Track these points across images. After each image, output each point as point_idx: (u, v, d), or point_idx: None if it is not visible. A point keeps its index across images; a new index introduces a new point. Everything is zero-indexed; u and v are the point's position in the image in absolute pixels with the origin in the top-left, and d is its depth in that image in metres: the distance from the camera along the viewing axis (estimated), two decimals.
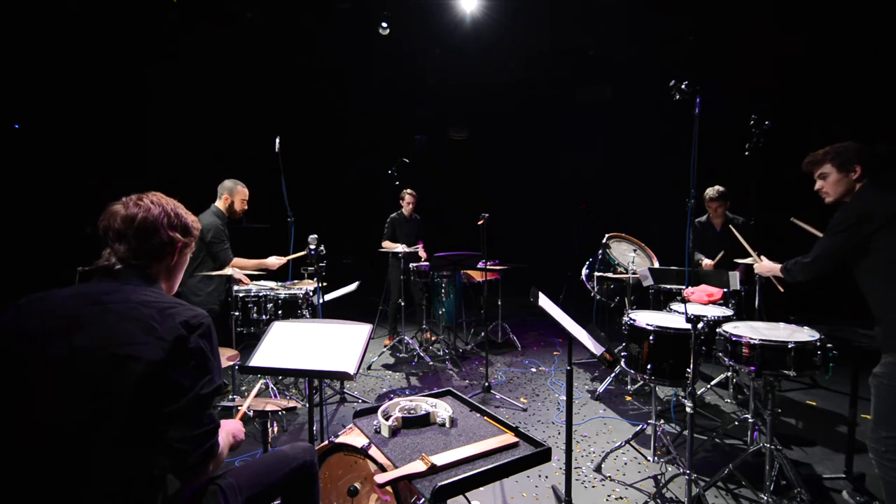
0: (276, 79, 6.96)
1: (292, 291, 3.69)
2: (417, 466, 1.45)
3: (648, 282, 3.61)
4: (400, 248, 4.99)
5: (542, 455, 1.56)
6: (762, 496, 2.47)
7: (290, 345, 2.15)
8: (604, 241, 4.28)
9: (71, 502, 1.10)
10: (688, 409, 2.24)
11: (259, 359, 2.10)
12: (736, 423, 3.36)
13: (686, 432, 2.32)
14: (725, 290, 3.42)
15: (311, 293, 3.75)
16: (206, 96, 6.32)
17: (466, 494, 1.72)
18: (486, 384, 4.04)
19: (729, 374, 3.95)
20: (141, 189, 1.42)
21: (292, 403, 2.12)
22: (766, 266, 2.69)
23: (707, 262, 4.04)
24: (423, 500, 1.65)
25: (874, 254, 2.06)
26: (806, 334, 2.49)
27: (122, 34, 5.45)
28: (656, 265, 4.21)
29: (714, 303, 3.34)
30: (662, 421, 3.11)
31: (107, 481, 1.11)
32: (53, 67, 5.37)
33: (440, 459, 1.48)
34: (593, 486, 2.74)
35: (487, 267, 4.30)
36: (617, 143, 7.84)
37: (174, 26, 5.55)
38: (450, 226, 7.44)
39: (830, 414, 3.70)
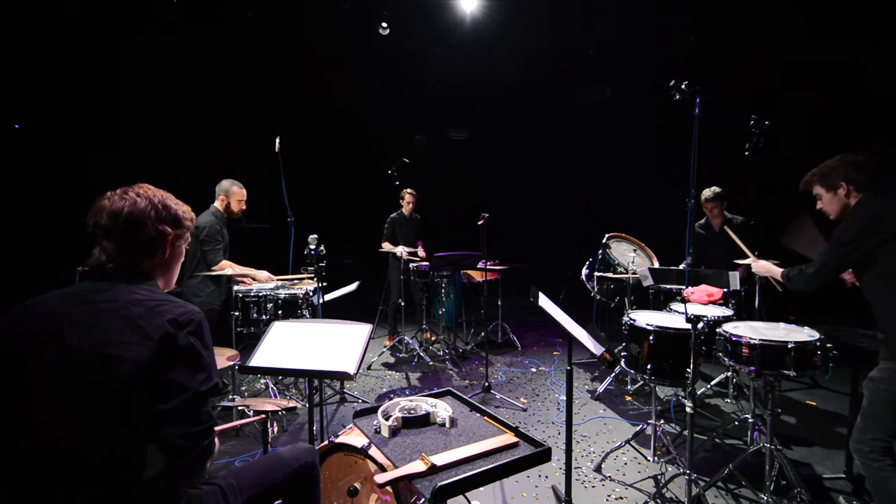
0: (276, 79, 6.96)
1: (292, 291, 3.69)
2: (417, 466, 1.45)
3: (648, 282, 3.61)
4: (399, 249, 4.99)
5: (542, 455, 1.56)
6: (762, 496, 2.48)
7: (290, 345, 2.15)
8: (604, 241, 4.28)
9: (70, 503, 1.10)
10: (688, 409, 2.24)
11: (259, 359, 2.10)
12: (736, 423, 3.36)
13: (686, 432, 2.32)
14: (725, 290, 3.42)
15: (311, 293, 3.75)
16: (206, 96, 6.32)
17: (466, 494, 1.72)
18: (486, 384, 4.04)
19: (729, 374, 3.95)
20: None
21: (292, 403, 2.12)
22: (762, 265, 2.69)
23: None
24: (423, 500, 1.65)
25: (880, 265, 2.08)
26: (806, 334, 2.49)
27: (122, 34, 5.45)
28: (656, 265, 4.21)
29: (714, 303, 3.33)
30: (662, 421, 3.11)
31: (106, 482, 1.11)
32: (53, 67, 5.37)
33: (440, 459, 1.48)
34: (593, 486, 2.74)
35: (487, 267, 4.30)
36: (617, 143, 7.84)
37: (174, 26, 5.55)
38: (450, 226, 7.44)
39: (830, 414, 3.70)
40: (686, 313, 2.32)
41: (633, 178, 7.33)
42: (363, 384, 4.36)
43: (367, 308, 5.64)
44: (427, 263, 5.10)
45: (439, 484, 1.35)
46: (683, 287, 3.23)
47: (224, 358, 2.91)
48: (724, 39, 5.92)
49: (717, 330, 2.67)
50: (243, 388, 4.16)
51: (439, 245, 5.15)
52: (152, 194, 1.34)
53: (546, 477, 2.82)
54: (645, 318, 2.98)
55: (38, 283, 1.65)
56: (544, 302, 2.30)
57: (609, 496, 2.64)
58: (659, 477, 2.71)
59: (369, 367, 4.78)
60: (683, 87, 2.24)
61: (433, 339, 5.50)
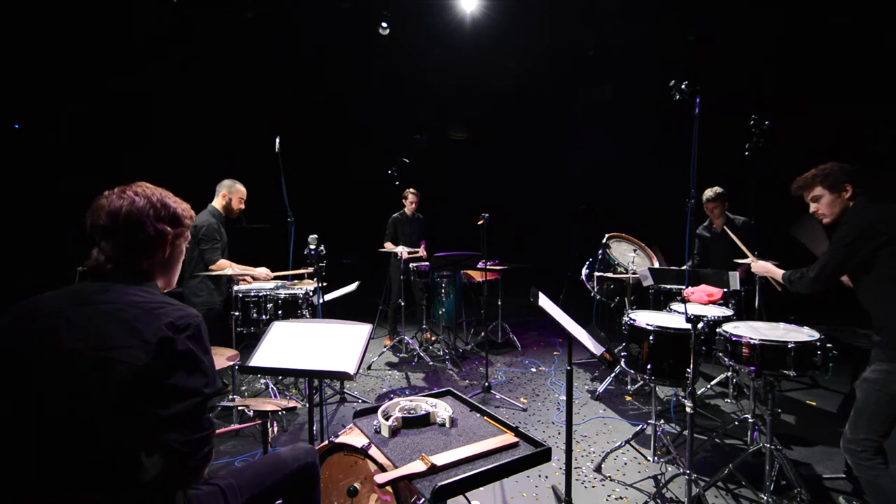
0: (275, 79, 6.95)
1: (292, 291, 3.69)
2: (417, 466, 1.45)
3: (648, 282, 3.61)
4: (400, 249, 4.99)
5: (542, 455, 1.56)
6: (762, 496, 2.48)
7: (290, 345, 2.15)
8: (604, 241, 4.28)
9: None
10: (688, 409, 2.24)
11: (259, 359, 2.10)
12: (736, 423, 3.36)
13: (686, 432, 2.32)
14: (725, 290, 3.42)
15: (311, 293, 3.75)
16: (206, 96, 6.32)
17: (466, 494, 1.72)
18: (486, 384, 4.04)
19: (729, 374, 3.95)
20: None
21: (292, 403, 2.12)
22: (761, 266, 2.68)
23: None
24: (423, 500, 1.65)
25: (878, 269, 2.09)
26: (806, 334, 2.50)
27: (122, 34, 5.45)
28: (656, 265, 4.21)
29: (714, 303, 3.34)
30: (662, 421, 3.11)
31: (104, 484, 1.11)
32: (53, 67, 5.37)
33: (440, 459, 1.47)
34: (593, 486, 2.74)
35: (487, 267, 4.30)
36: (617, 143, 7.83)
37: (174, 26, 5.55)
38: (450, 226, 7.43)
39: (830, 414, 3.70)
40: (686, 313, 2.32)
41: (633, 178, 7.32)
42: (363, 384, 4.36)
43: (367, 308, 5.64)
44: (427, 263, 5.11)
45: (439, 484, 1.35)
46: (683, 287, 3.23)
47: (224, 358, 2.91)
48: (724, 39, 5.92)
49: (717, 330, 2.67)
50: (243, 388, 4.16)
51: (439, 245, 5.15)
52: (151, 193, 1.32)
53: (546, 477, 2.82)
54: (645, 318, 2.97)
55: (38, 283, 1.64)
56: (544, 302, 2.30)
57: (609, 496, 2.64)
58: (659, 477, 2.71)
59: (369, 367, 4.78)
60: (683, 87, 2.24)
61: (433, 339, 5.50)
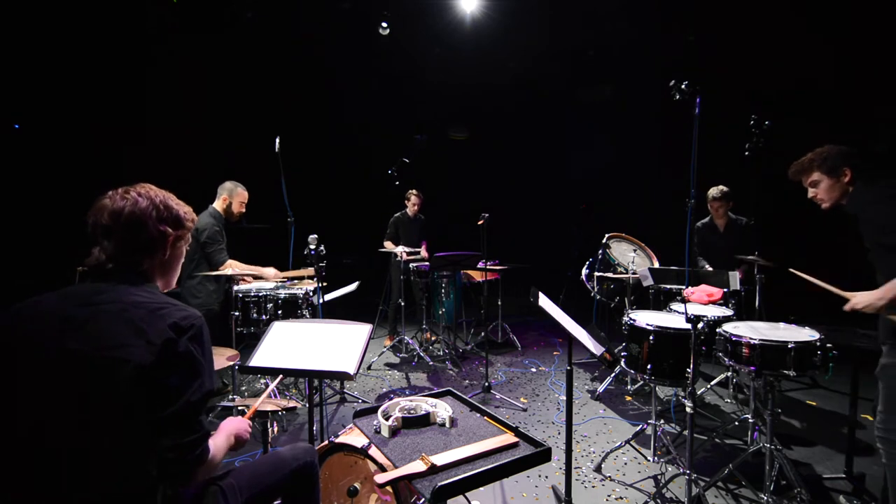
0: (275, 79, 6.95)
1: (292, 291, 3.69)
2: (417, 466, 1.45)
3: (648, 282, 3.61)
4: (399, 250, 4.98)
5: (542, 455, 1.56)
6: (762, 496, 2.47)
7: (290, 345, 2.15)
8: (604, 241, 4.28)
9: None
10: (688, 409, 2.24)
11: (259, 359, 2.10)
12: (736, 423, 3.36)
13: (686, 432, 2.32)
14: (725, 290, 3.42)
15: (311, 293, 3.75)
16: (205, 96, 6.31)
17: (466, 494, 1.72)
18: (486, 384, 4.04)
19: (729, 374, 3.95)
20: None
21: (292, 403, 2.12)
22: (869, 298, 2.03)
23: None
24: (423, 500, 1.65)
25: None
26: (806, 334, 2.50)
27: (122, 33, 5.45)
28: (656, 265, 4.21)
29: (714, 303, 3.34)
30: (662, 421, 3.11)
31: (104, 485, 1.11)
32: (54, 67, 5.37)
33: (440, 459, 1.47)
34: (593, 486, 2.73)
35: (487, 267, 4.30)
36: (617, 143, 7.83)
37: (174, 26, 5.54)
38: (450, 226, 7.43)
39: (830, 414, 3.70)
40: (686, 313, 2.32)
41: (633, 178, 7.33)
42: (363, 384, 4.36)
43: (367, 308, 5.64)
44: (427, 263, 5.11)
45: (439, 484, 1.35)
46: (683, 287, 3.23)
47: (224, 358, 2.91)
48: (724, 39, 5.92)
49: (717, 330, 2.67)
50: (243, 388, 4.16)
51: (439, 245, 5.14)
52: (154, 194, 1.33)
53: (546, 477, 2.82)
54: (645, 318, 2.97)
55: (38, 283, 1.64)
56: (544, 302, 2.30)
57: (609, 496, 2.64)
58: (659, 477, 2.71)
59: (369, 367, 4.78)
60: (683, 87, 2.24)
61: (433, 339, 5.50)
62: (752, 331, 2.56)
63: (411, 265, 5.09)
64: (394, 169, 5.04)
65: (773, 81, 5.74)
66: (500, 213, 4.84)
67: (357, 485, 1.81)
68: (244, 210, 3.82)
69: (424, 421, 1.77)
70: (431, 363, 4.82)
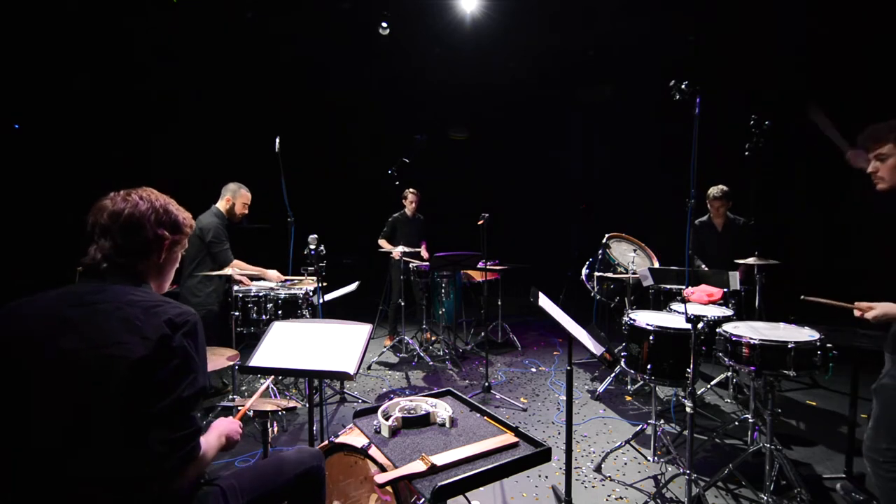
0: (275, 79, 6.95)
1: (292, 291, 3.69)
2: (417, 466, 1.45)
3: (648, 282, 3.61)
4: (396, 250, 4.98)
5: (542, 455, 1.56)
6: (762, 496, 2.48)
7: (290, 345, 2.15)
8: (604, 241, 4.28)
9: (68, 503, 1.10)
10: (688, 409, 2.24)
11: (259, 359, 2.10)
12: (736, 423, 3.36)
13: (686, 432, 2.32)
14: (725, 290, 3.42)
15: (311, 293, 3.75)
16: (205, 96, 6.31)
17: (466, 494, 1.72)
18: (486, 384, 4.04)
19: (729, 374, 3.95)
20: None
21: (292, 403, 2.12)
22: (887, 308, 1.94)
23: None
24: (423, 500, 1.65)
25: None
26: (806, 334, 2.50)
27: (122, 33, 5.45)
28: (656, 265, 4.21)
29: (714, 303, 3.34)
30: (662, 421, 3.11)
31: (102, 483, 1.11)
32: (54, 67, 5.37)
33: (440, 459, 1.47)
34: (593, 486, 2.74)
35: (487, 267, 4.30)
36: (617, 143, 7.83)
37: (174, 26, 5.54)
38: (450, 226, 7.43)
39: (830, 414, 3.70)
40: (686, 313, 2.32)
41: (633, 178, 7.32)
42: (363, 384, 4.36)
43: (367, 308, 5.63)
44: (427, 263, 5.11)
45: (439, 484, 1.35)
46: (683, 287, 3.23)
47: (224, 358, 2.91)
48: (724, 39, 5.91)
49: (717, 330, 2.67)
50: (243, 388, 4.16)
51: (439, 245, 5.14)
52: (154, 198, 1.35)
53: (546, 477, 2.82)
54: (645, 318, 2.97)
55: (38, 282, 1.64)
56: (544, 302, 2.30)
57: (609, 496, 2.64)
58: (659, 477, 2.71)
59: (369, 367, 4.78)
60: (683, 87, 2.24)
61: (433, 339, 5.50)
62: (752, 331, 2.56)
63: (411, 265, 5.09)
64: (394, 169, 5.04)
65: (772, 81, 5.74)
66: (499, 213, 4.84)
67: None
68: (247, 211, 3.82)
69: (424, 421, 1.77)
70: (431, 363, 4.82)
